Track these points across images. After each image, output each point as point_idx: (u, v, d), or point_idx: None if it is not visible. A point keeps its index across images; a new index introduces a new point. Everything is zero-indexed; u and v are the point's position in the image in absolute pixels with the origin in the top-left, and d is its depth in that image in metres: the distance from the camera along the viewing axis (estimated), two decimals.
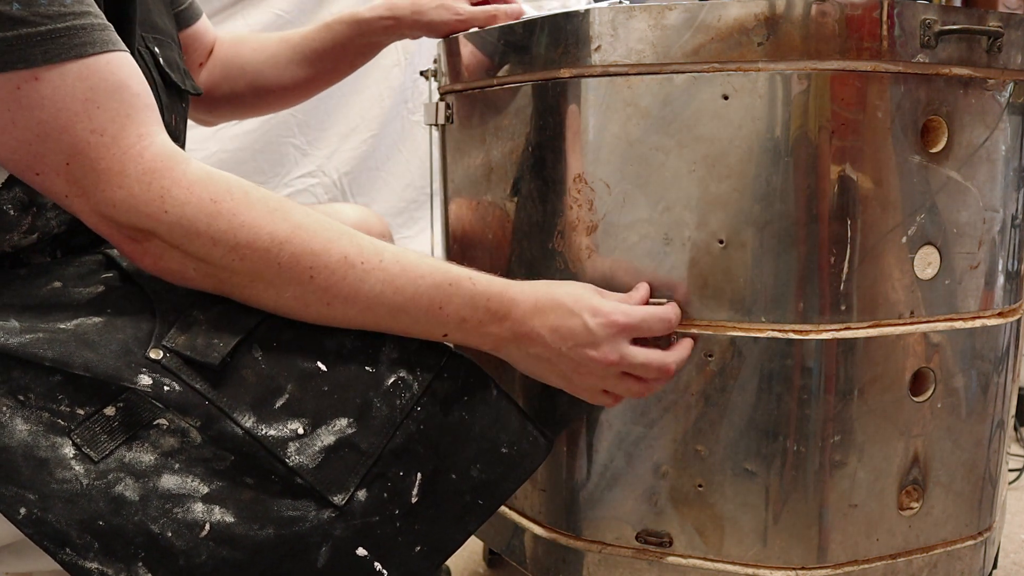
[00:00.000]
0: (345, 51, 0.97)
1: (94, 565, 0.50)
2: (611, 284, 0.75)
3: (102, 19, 0.55)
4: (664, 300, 0.73)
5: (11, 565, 0.59)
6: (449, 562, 1.14)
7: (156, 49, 0.74)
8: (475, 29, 0.86)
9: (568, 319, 0.65)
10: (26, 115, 0.51)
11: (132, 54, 0.68)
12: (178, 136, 0.77)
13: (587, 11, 0.73)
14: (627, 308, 0.68)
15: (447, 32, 0.89)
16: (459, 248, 0.92)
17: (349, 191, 1.87)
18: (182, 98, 0.79)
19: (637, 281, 0.74)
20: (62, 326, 0.55)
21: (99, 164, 0.52)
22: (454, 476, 0.63)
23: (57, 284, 0.58)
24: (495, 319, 0.64)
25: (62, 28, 0.51)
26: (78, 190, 0.53)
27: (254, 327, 0.57)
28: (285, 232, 0.56)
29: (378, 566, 0.57)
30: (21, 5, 0.50)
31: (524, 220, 0.80)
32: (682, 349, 0.71)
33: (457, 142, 0.89)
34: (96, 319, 0.56)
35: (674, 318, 0.70)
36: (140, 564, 0.50)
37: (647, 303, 0.71)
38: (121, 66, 0.54)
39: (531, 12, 0.94)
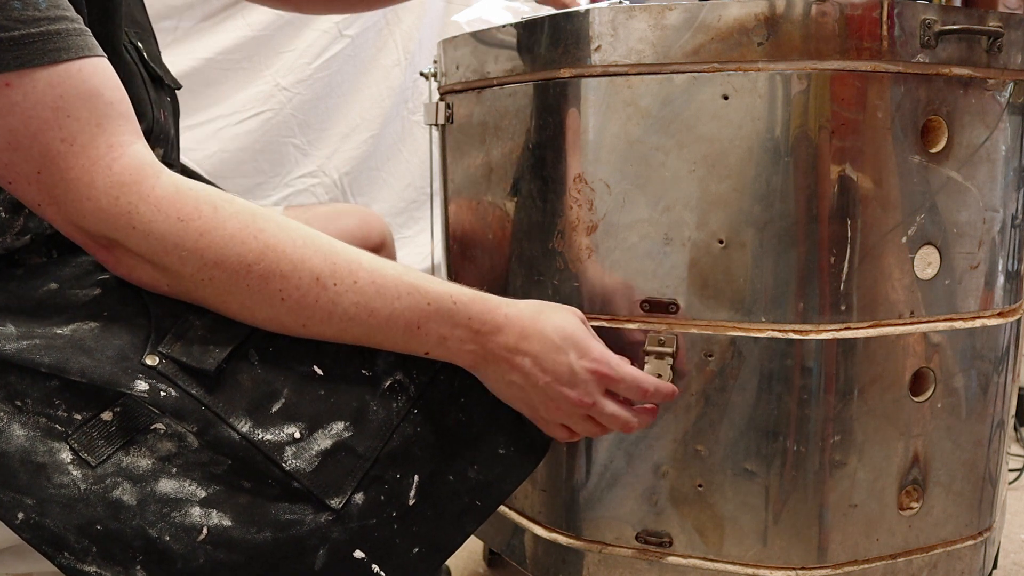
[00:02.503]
0: None
1: (92, 569, 0.50)
2: (611, 284, 0.75)
3: (78, 24, 0.54)
4: (668, 300, 0.73)
5: (11, 567, 0.59)
6: (449, 562, 1.14)
7: (139, 44, 0.73)
8: (470, 30, 0.86)
9: (554, 354, 0.63)
10: None
11: (119, 49, 0.68)
12: (168, 131, 0.77)
13: (587, 11, 0.73)
14: (614, 360, 0.66)
15: None
16: (459, 248, 0.92)
17: (349, 191, 1.87)
18: (167, 92, 0.79)
19: (637, 281, 0.74)
20: (58, 331, 0.54)
21: (68, 174, 0.52)
22: (451, 477, 0.62)
23: (53, 286, 0.58)
24: (477, 338, 0.62)
25: (35, 33, 0.50)
26: (49, 199, 0.53)
27: (250, 332, 0.57)
28: (255, 252, 0.54)
29: (376, 568, 0.57)
30: None
31: (524, 220, 0.80)
32: (648, 416, 0.69)
33: (457, 142, 0.89)
34: (92, 323, 0.55)
35: (652, 392, 0.68)
36: (138, 568, 0.50)
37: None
38: (95, 73, 0.53)
39: (531, 12, 0.94)
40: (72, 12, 0.54)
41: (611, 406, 0.66)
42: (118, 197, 0.52)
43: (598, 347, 0.65)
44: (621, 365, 0.66)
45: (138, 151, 0.54)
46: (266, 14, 1.73)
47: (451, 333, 0.61)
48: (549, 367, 0.63)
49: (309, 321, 0.57)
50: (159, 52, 0.80)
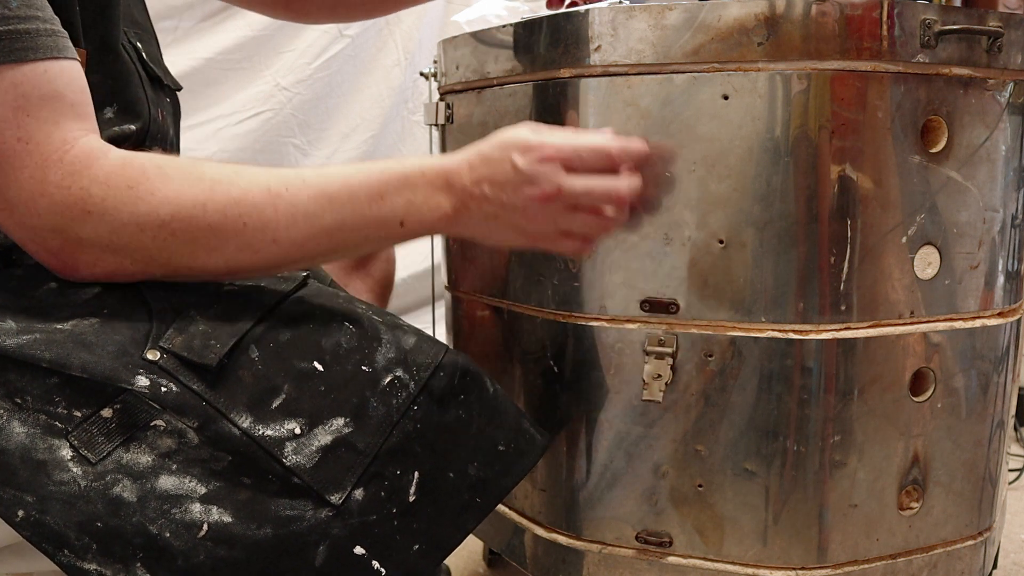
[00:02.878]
0: None
1: (92, 566, 0.50)
2: (611, 285, 0.75)
3: (52, 24, 0.54)
4: (668, 300, 0.73)
5: (12, 565, 0.59)
6: (449, 562, 1.14)
7: (138, 44, 0.74)
8: (470, 30, 0.86)
9: (499, 165, 0.61)
10: None
11: (116, 48, 0.68)
12: (167, 131, 0.77)
13: (587, 11, 0.73)
14: (558, 139, 0.61)
15: None
16: (459, 248, 0.92)
17: None
18: (166, 93, 0.79)
19: (637, 282, 0.74)
20: (59, 327, 0.54)
21: (22, 173, 0.52)
22: (451, 474, 0.63)
23: (53, 285, 0.58)
24: (438, 190, 0.61)
25: (3, 31, 0.51)
26: (3, 202, 0.53)
27: (251, 327, 0.57)
28: (204, 192, 0.55)
29: (376, 564, 0.57)
30: None
31: None
32: (630, 179, 0.63)
33: (457, 142, 0.89)
34: (93, 320, 0.55)
35: (613, 150, 0.62)
36: (139, 565, 0.50)
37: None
38: (59, 74, 0.54)
39: (531, 12, 0.94)
40: (46, 12, 0.54)
41: (579, 181, 0.61)
42: (70, 186, 0.52)
43: (538, 136, 0.61)
44: (566, 140, 0.62)
45: (88, 141, 0.54)
46: None
47: (414, 195, 0.61)
48: (502, 178, 0.61)
49: (277, 235, 0.57)
50: (160, 53, 0.80)
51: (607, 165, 0.62)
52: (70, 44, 0.55)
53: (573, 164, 0.61)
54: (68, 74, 0.54)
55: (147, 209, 0.54)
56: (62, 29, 0.55)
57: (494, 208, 0.62)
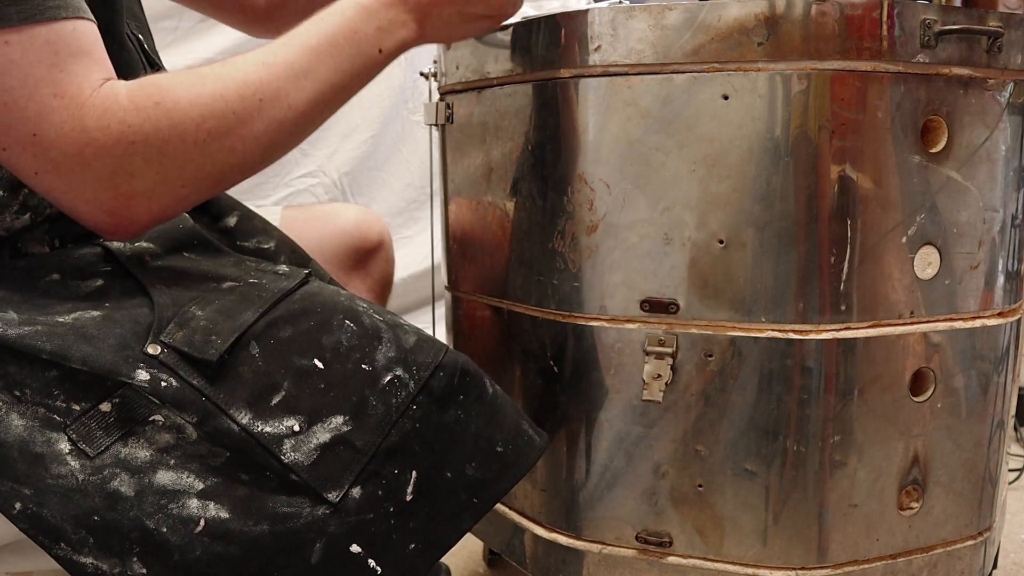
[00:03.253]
0: None
1: (89, 560, 0.50)
2: (611, 285, 0.75)
3: None
4: (668, 300, 0.74)
5: (12, 564, 0.59)
6: (449, 562, 1.14)
7: (139, 35, 0.74)
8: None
9: None
10: None
11: (122, 38, 0.68)
12: None
13: (587, 11, 0.73)
14: None
15: None
16: (459, 248, 0.92)
17: (349, 191, 1.87)
18: None
19: (637, 282, 0.74)
20: (60, 319, 0.54)
21: (63, 128, 0.52)
22: (449, 474, 0.63)
23: (56, 276, 0.58)
24: (400, 9, 0.67)
25: None
26: (48, 164, 0.53)
27: (252, 323, 0.57)
28: (217, 86, 0.58)
29: (372, 563, 0.57)
30: None
31: (524, 220, 0.80)
32: None
33: (457, 142, 0.89)
34: (94, 313, 0.55)
35: None
36: (135, 559, 0.50)
37: None
38: (86, 33, 0.55)
39: (531, 12, 0.94)
40: None
41: None
42: (108, 124, 0.53)
43: None
44: None
45: (105, 84, 0.55)
46: None
47: (380, 21, 0.66)
48: None
49: (290, 99, 0.61)
50: (155, 47, 0.80)
51: None
52: (86, 6, 0.56)
53: None
54: (92, 34, 0.56)
55: (180, 117, 0.55)
56: None
57: (456, 8, 0.69)
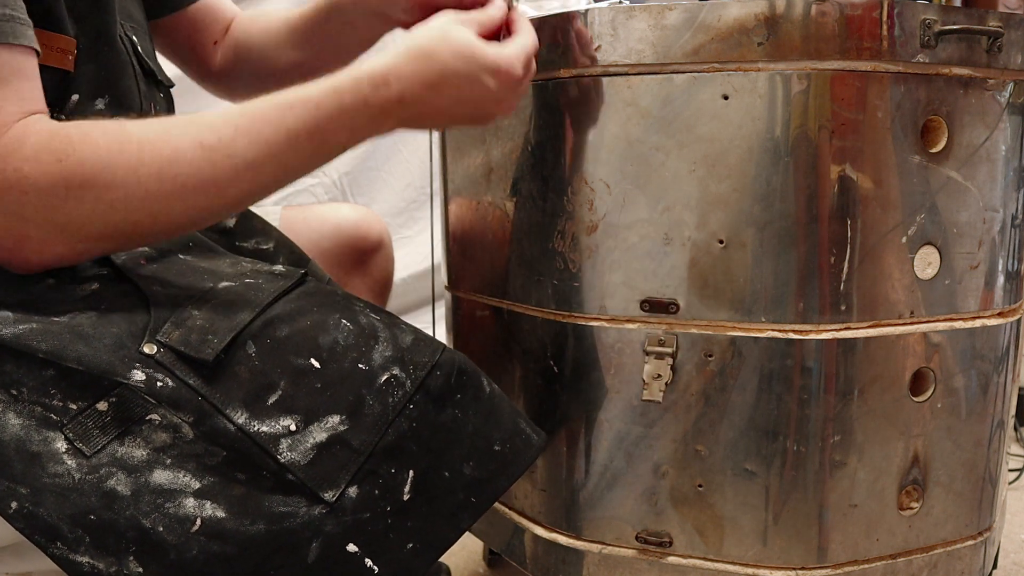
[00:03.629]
0: (327, 33, 0.88)
1: (85, 559, 0.50)
2: (611, 285, 0.75)
3: (12, 10, 0.53)
4: (668, 300, 0.74)
5: (11, 565, 0.59)
6: (449, 562, 1.14)
7: (134, 38, 0.73)
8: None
9: (468, 88, 0.62)
10: None
11: (114, 39, 0.67)
12: None
13: (587, 11, 0.73)
14: (513, 57, 0.64)
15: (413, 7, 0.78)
16: (459, 248, 0.92)
17: (349, 191, 1.87)
18: (160, 89, 0.78)
19: (637, 282, 0.74)
20: (56, 319, 0.54)
21: None
22: (447, 473, 0.62)
23: (51, 281, 0.58)
24: (385, 117, 0.60)
25: None
26: None
27: (248, 323, 0.57)
28: (134, 156, 0.53)
29: (369, 562, 0.57)
30: None
31: (524, 220, 0.80)
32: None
33: (457, 142, 0.89)
34: (90, 313, 0.55)
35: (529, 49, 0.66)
36: (131, 558, 0.50)
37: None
38: (8, 61, 0.52)
39: (531, 12, 0.94)
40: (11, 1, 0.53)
41: (528, 68, 0.66)
42: (3, 169, 0.51)
43: (502, 54, 0.63)
44: (520, 57, 0.64)
45: (26, 121, 0.53)
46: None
47: (355, 122, 0.59)
48: (473, 98, 0.62)
49: (221, 187, 0.56)
50: (153, 49, 0.80)
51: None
52: (30, 33, 0.54)
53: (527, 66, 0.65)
54: (17, 61, 0.53)
55: (80, 182, 0.52)
56: (25, 17, 0.54)
57: (448, 114, 0.63)
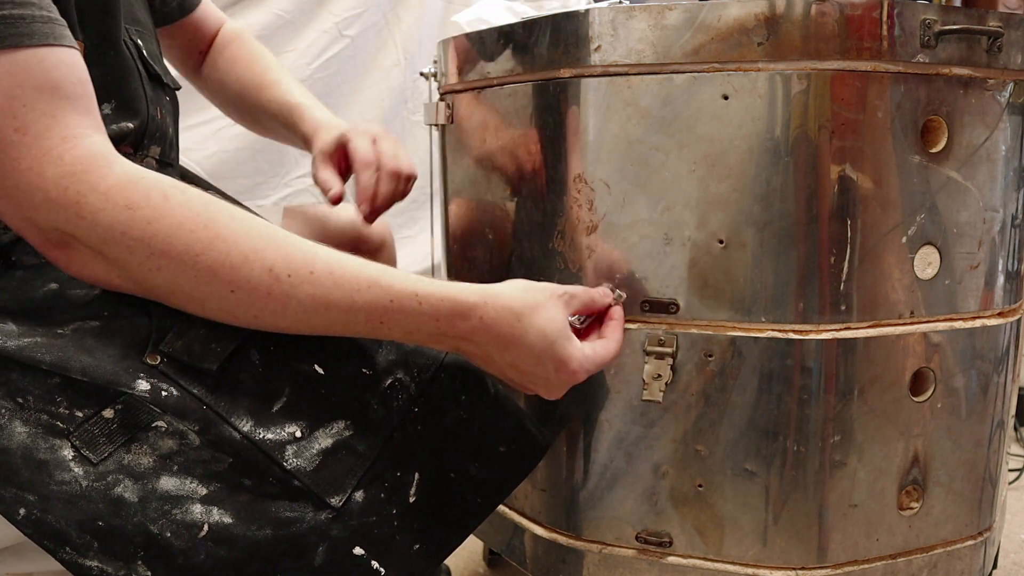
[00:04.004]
0: (262, 125, 0.96)
1: (94, 563, 0.50)
2: (611, 284, 0.75)
3: (48, 12, 0.52)
4: (668, 300, 0.74)
5: (12, 566, 0.59)
6: (449, 562, 1.14)
7: (139, 41, 0.73)
8: (470, 30, 0.86)
9: (532, 364, 0.62)
10: None
11: (118, 44, 0.67)
12: (166, 129, 0.76)
13: (587, 11, 0.73)
14: (587, 364, 0.65)
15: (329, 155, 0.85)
16: (459, 248, 0.92)
17: (349, 191, 1.87)
18: (165, 92, 0.78)
19: (637, 282, 0.74)
20: (60, 331, 0.54)
21: (20, 164, 0.50)
22: (452, 475, 0.63)
23: (53, 286, 0.58)
24: (447, 339, 0.60)
25: None
26: (1, 191, 0.52)
27: (252, 332, 0.57)
28: (203, 242, 0.52)
29: (375, 564, 0.57)
30: None
31: (524, 220, 0.80)
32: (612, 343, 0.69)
33: (457, 142, 0.89)
34: (93, 323, 0.55)
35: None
36: (139, 563, 0.50)
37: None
38: (57, 64, 0.52)
39: (531, 12, 0.94)
40: (43, 1, 0.52)
41: (595, 366, 0.66)
42: (67, 187, 0.51)
43: (577, 354, 0.63)
44: (596, 358, 0.65)
45: (94, 143, 0.53)
46: (265, 14, 1.73)
47: (417, 330, 0.58)
48: (527, 372, 0.62)
49: (261, 313, 0.55)
50: (160, 52, 0.80)
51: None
52: (68, 33, 0.54)
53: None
54: (67, 63, 0.53)
55: (140, 235, 0.52)
56: (60, 18, 0.54)
57: (498, 372, 0.63)
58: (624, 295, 0.74)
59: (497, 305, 0.60)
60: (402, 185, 0.83)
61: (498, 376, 0.65)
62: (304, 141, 0.88)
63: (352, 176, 0.84)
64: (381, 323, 0.57)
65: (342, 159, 0.84)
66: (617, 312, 0.72)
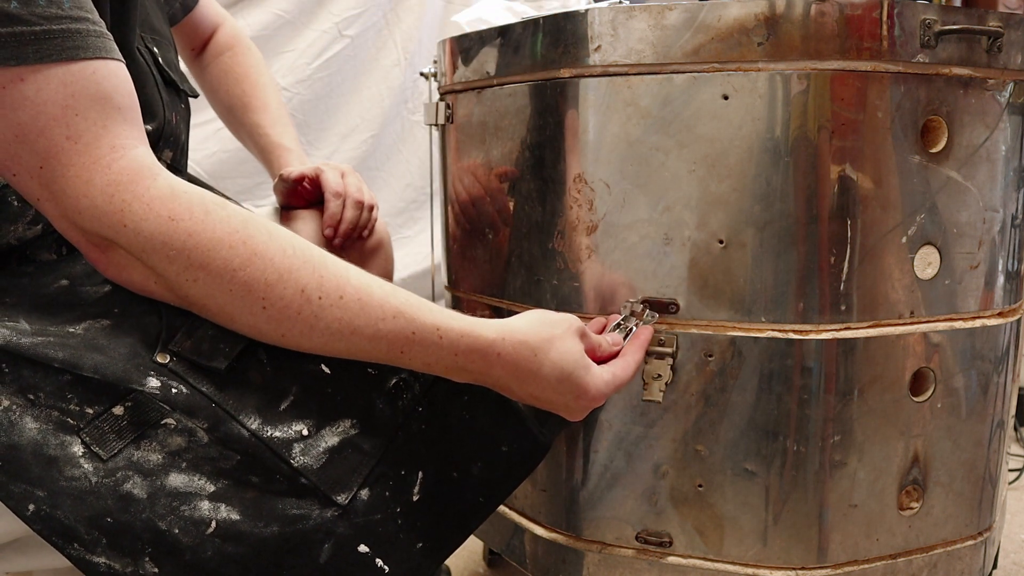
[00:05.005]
0: (243, 142, 1.02)
1: (102, 560, 0.50)
2: (611, 284, 0.75)
3: (100, 27, 0.54)
4: (668, 301, 0.74)
5: (14, 563, 0.59)
6: (449, 562, 1.14)
7: (155, 49, 0.74)
8: (470, 30, 0.86)
9: (551, 394, 0.63)
10: (7, 115, 0.51)
11: (132, 52, 0.68)
12: (179, 135, 0.77)
13: (587, 11, 0.73)
14: (605, 389, 0.66)
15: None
16: (459, 248, 0.92)
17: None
18: (181, 98, 0.79)
19: (637, 282, 0.74)
20: (71, 330, 0.55)
21: (69, 171, 0.52)
22: (455, 474, 0.63)
23: (64, 283, 0.59)
24: (465, 373, 0.61)
25: (56, 30, 0.51)
26: (48, 194, 0.53)
27: None
28: (241, 258, 0.54)
29: (379, 562, 0.57)
30: (19, 3, 0.49)
31: (524, 220, 0.80)
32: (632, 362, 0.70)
33: (457, 142, 0.89)
34: (104, 321, 0.56)
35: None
36: (147, 559, 0.51)
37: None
38: (108, 76, 0.54)
39: (531, 12, 0.94)
40: (95, 15, 0.54)
41: (611, 390, 0.67)
42: (113, 195, 0.52)
43: (595, 382, 0.65)
44: (612, 384, 0.67)
45: (139, 154, 0.55)
46: (265, 14, 1.73)
47: (436, 363, 0.60)
48: (547, 400, 0.64)
49: (289, 332, 0.56)
50: (176, 59, 0.81)
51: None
52: (116, 47, 0.56)
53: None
54: (116, 76, 0.55)
55: (180, 247, 0.53)
56: (108, 32, 0.55)
57: (515, 395, 0.64)
58: (656, 316, 0.74)
59: (514, 340, 0.61)
60: (365, 213, 0.89)
61: (519, 401, 0.67)
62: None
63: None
64: (402, 353, 0.58)
65: (312, 186, 0.91)
66: (645, 332, 0.73)
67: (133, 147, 0.54)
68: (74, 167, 0.52)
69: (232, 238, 0.54)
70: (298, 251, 0.56)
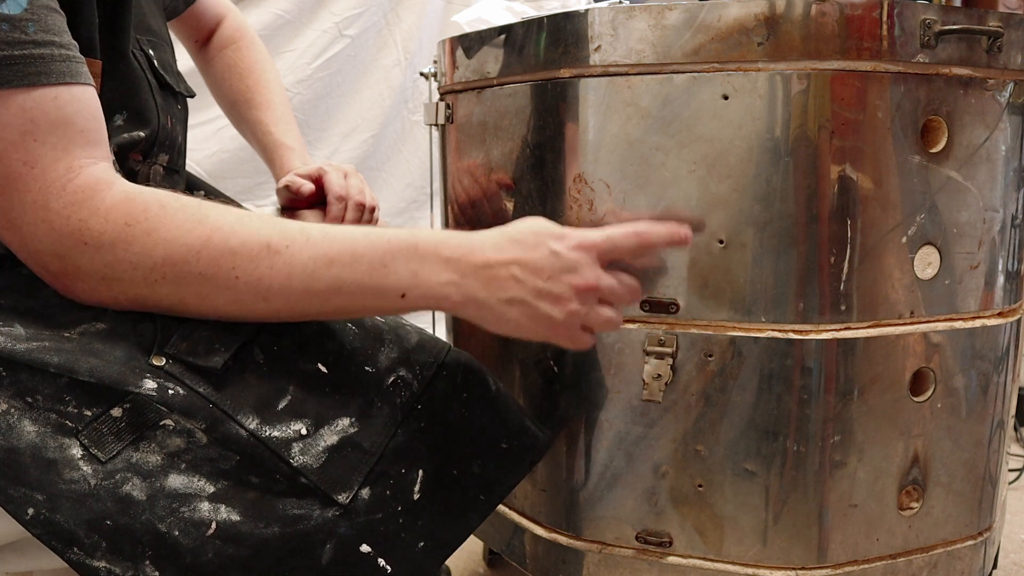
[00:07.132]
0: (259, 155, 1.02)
1: (102, 564, 0.50)
2: None
3: (69, 49, 0.54)
4: (668, 301, 0.74)
5: (13, 564, 0.59)
6: (449, 562, 1.14)
7: (151, 51, 0.74)
8: (470, 30, 0.86)
9: (535, 251, 0.59)
10: None
11: (126, 55, 0.68)
12: (176, 138, 0.77)
13: (587, 11, 0.73)
14: (592, 231, 0.61)
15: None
16: None
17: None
18: (177, 100, 0.79)
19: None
20: (66, 334, 0.55)
21: (26, 197, 0.52)
22: (455, 472, 0.63)
23: None
24: (451, 264, 0.58)
25: (18, 56, 0.51)
26: (7, 222, 0.53)
27: (255, 332, 0.58)
28: (201, 238, 0.54)
29: (382, 562, 0.57)
30: None
31: None
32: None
33: (457, 142, 0.89)
34: (99, 325, 0.56)
35: (644, 234, 0.63)
36: (147, 563, 0.51)
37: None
38: (71, 101, 0.53)
39: (531, 12, 0.94)
40: (64, 38, 0.54)
41: (618, 282, 0.62)
42: (69, 216, 0.52)
43: (573, 230, 0.61)
44: (598, 231, 0.62)
45: (96, 170, 0.54)
46: (265, 14, 1.73)
47: (421, 266, 0.57)
48: (538, 264, 0.59)
49: (269, 292, 0.55)
50: (174, 60, 0.81)
51: (636, 254, 0.63)
52: (86, 70, 0.55)
53: (605, 256, 0.61)
54: (80, 100, 0.54)
55: (140, 248, 0.53)
56: (79, 55, 0.55)
57: (521, 290, 0.59)
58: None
59: (483, 231, 0.60)
60: (366, 216, 0.87)
61: (503, 326, 0.61)
62: (277, 180, 0.93)
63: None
64: (385, 267, 0.57)
65: (315, 186, 0.90)
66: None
67: (92, 164, 0.54)
68: (31, 193, 0.52)
69: (189, 221, 0.54)
70: (255, 216, 0.56)
